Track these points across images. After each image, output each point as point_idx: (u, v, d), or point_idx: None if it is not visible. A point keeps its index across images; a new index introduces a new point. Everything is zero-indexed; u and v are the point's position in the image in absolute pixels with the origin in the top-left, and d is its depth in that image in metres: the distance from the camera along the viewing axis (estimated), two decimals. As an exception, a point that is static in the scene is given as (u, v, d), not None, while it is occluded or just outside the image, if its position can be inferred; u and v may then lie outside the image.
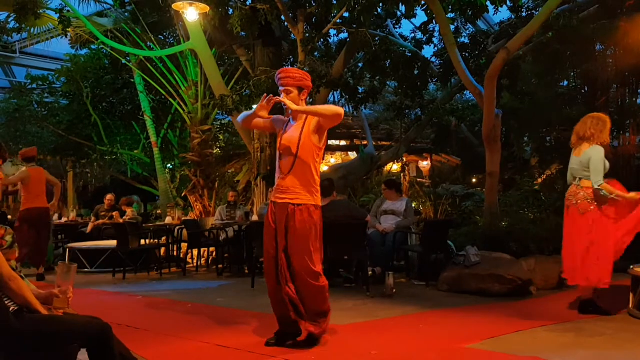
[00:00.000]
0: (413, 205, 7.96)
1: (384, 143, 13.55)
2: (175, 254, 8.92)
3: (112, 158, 14.45)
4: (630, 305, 4.90)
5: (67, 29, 9.16)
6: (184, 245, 8.93)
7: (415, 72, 10.01)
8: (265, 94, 3.96)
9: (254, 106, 4.01)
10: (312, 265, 3.90)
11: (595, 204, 4.79)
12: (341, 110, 3.89)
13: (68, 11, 9.13)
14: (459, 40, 9.94)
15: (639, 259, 5.87)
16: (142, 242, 8.42)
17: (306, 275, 3.90)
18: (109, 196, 10.39)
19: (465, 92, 12.35)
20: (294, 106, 3.84)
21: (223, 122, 14.09)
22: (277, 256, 3.95)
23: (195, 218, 10.09)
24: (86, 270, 8.40)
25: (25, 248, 7.16)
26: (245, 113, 4.16)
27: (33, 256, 7.51)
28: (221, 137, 14.46)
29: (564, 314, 4.97)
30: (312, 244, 3.90)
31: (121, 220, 9.38)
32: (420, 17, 9.91)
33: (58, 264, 2.79)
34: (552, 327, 4.50)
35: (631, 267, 4.99)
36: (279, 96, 3.96)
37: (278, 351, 3.87)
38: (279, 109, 3.99)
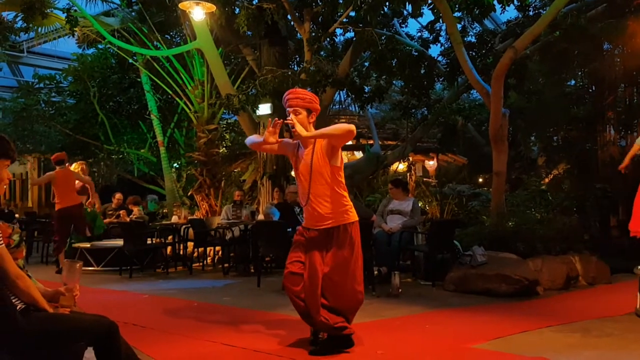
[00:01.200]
0: (419, 205, 7.93)
1: (390, 142, 13.53)
2: (181, 252, 8.94)
3: (119, 157, 14.52)
4: (638, 306, 4.87)
5: (74, 29, 9.20)
6: (190, 244, 8.95)
7: (422, 71, 9.99)
8: (270, 119, 3.84)
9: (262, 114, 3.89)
10: (353, 283, 3.84)
11: None
12: (352, 127, 3.72)
13: (75, 10, 9.17)
14: (465, 39, 9.91)
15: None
16: (149, 240, 8.45)
17: (349, 290, 3.84)
18: (117, 195, 10.46)
19: (471, 91, 12.32)
20: (304, 132, 3.69)
21: (229, 121, 14.11)
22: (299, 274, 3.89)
23: (202, 217, 10.11)
24: (93, 268, 8.44)
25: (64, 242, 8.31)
26: (253, 139, 4.05)
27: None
28: (227, 136, 14.48)
29: (571, 314, 4.95)
30: (352, 263, 3.82)
31: (128, 219, 9.41)
32: (427, 16, 9.90)
33: (64, 262, 2.79)
34: (558, 328, 4.48)
35: (638, 267, 4.97)
36: (287, 117, 3.81)
37: (285, 351, 3.88)
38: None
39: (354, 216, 3.89)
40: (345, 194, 3.89)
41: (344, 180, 3.92)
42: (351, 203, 3.93)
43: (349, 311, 3.89)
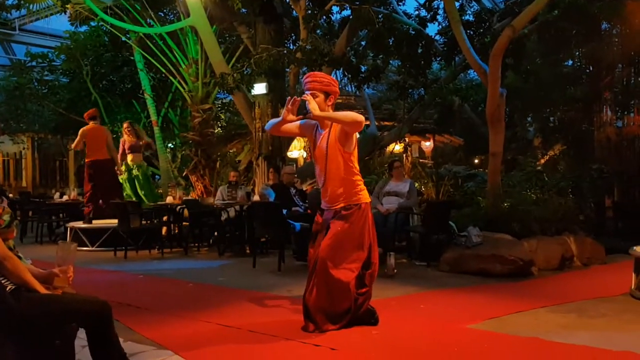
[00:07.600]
0: (415, 186, 7.91)
1: (386, 123, 13.47)
2: (176, 232, 8.91)
3: (113, 137, 14.38)
4: (633, 287, 4.89)
5: (66, 6, 9.05)
6: (185, 225, 8.91)
7: (419, 50, 9.88)
8: (289, 97, 3.92)
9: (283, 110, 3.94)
10: (343, 262, 3.85)
11: None
12: (360, 118, 3.83)
13: (67, -13, 9.01)
14: (463, 18, 9.79)
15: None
16: (144, 221, 8.41)
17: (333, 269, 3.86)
18: None
19: (469, 72, 12.23)
20: (316, 111, 3.77)
21: (224, 101, 13.99)
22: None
23: (197, 197, 10.07)
24: (87, 249, 8.41)
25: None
26: (273, 121, 4.09)
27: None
28: (222, 116, 14.36)
29: (566, 295, 4.97)
30: (348, 240, 3.86)
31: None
32: (425, -7, 9.77)
33: (58, 243, 2.76)
34: (553, 308, 4.49)
35: (633, 248, 4.98)
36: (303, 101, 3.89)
37: (280, 330, 3.87)
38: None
39: (364, 198, 3.96)
40: (357, 177, 3.99)
41: (356, 165, 4.01)
42: (364, 186, 4.02)
43: (328, 297, 3.85)
